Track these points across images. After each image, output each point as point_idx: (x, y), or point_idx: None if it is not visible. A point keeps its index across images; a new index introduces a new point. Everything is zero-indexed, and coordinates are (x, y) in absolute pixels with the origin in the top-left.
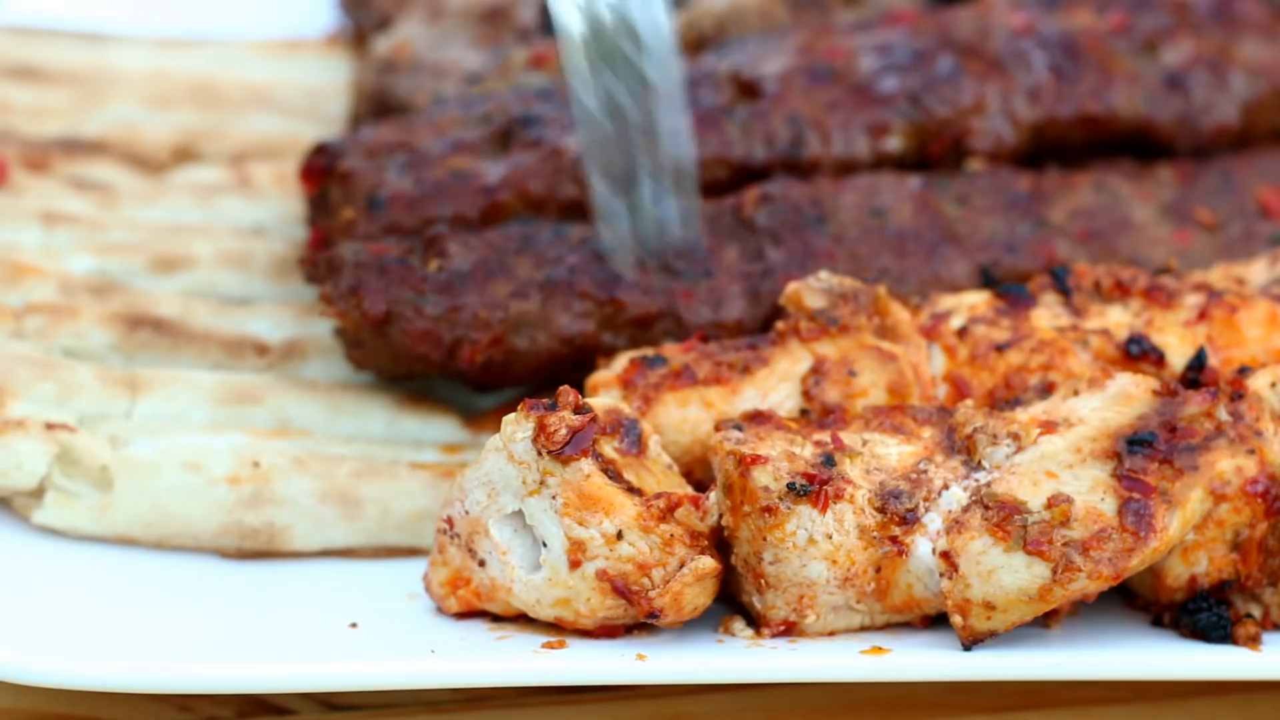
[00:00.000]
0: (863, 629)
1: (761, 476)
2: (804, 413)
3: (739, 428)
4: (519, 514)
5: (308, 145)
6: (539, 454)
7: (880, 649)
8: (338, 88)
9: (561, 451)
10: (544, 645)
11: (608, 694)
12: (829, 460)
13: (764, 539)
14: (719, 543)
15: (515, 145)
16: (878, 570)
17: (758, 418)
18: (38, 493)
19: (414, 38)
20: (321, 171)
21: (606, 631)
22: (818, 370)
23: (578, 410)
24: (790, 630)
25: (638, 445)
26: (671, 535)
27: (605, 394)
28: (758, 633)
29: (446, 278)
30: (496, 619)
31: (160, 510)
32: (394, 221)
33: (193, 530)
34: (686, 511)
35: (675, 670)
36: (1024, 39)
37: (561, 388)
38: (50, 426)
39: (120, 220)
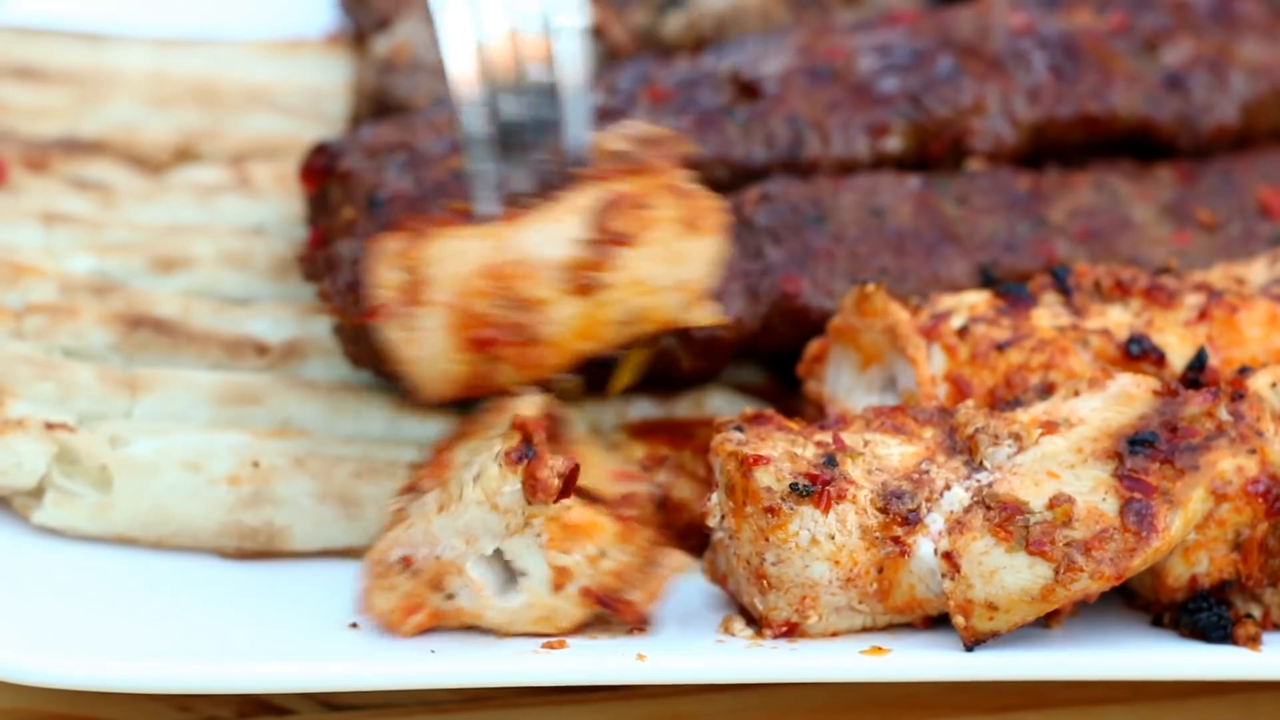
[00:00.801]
0: (864, 630)
1: (764, 477)
2: (590, 245)
3: (740, 429)
4: (496, 551)
5: (308, 145)
6: (529, 503)
7: (880, 649)
8: (338, 88)
9: (556, 500)
10: (544, 645)
11: (607, 694)
12: (831, 461)
13: (766, 539)
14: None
15: None
16: (880, 571)
17: (758, 419)
18: (37, 492)
19: (414, 38)
20: (321, 171)
21: (572, 632)
22: (611, 204)
23: (548, 430)
24: (792, 631)
25: (557, 431)
26: (648, 540)
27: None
28: (758, 633)
29: None
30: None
31: (160, 510)
32: (394, 221)
33: (192, 530)
34: (647, 494)
35: (675, 670)
36: (1024, 39)
37: (516, 420)
38: (50, 426)
39: (120, 220)
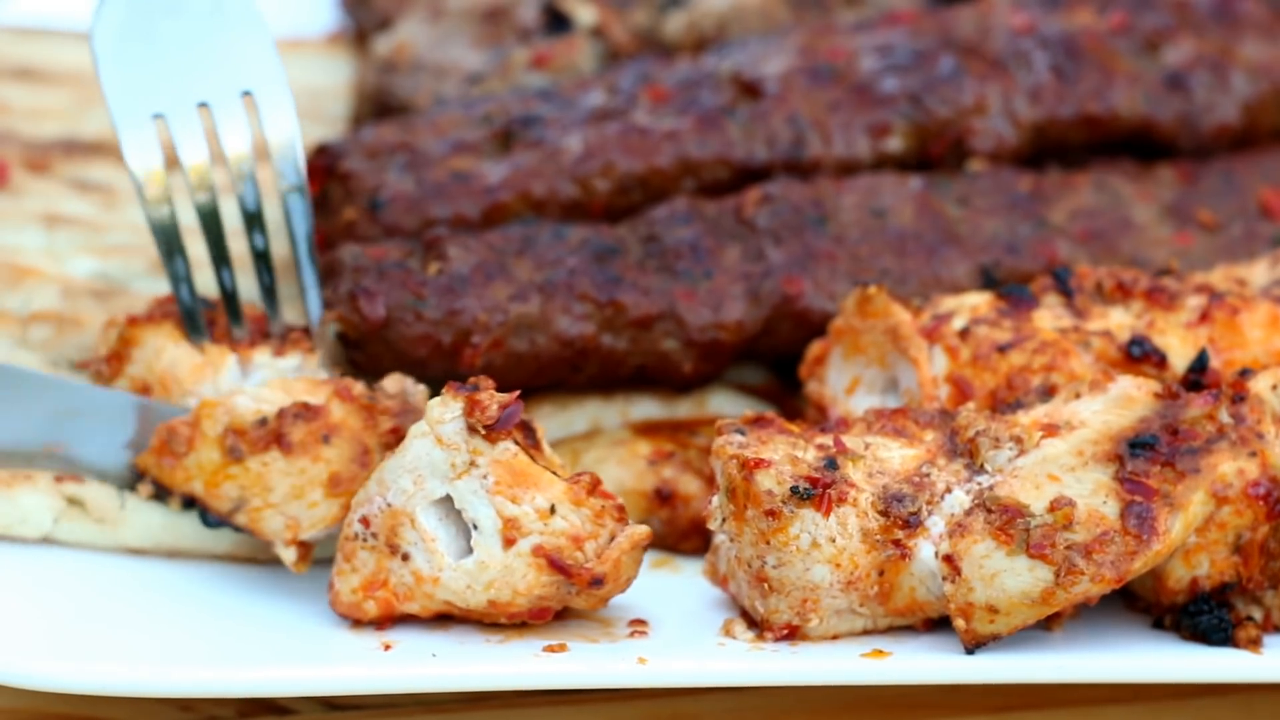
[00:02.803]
0: (865, 633)
1: (765, 480)
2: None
3: (741, 431)
4: (445, 501)
5: (309, 146)
6: (469, 434)
7: (881, 651)
8: (338, 88)
9: (494, 427)
10: (545, 649)
11: (607, 694)
12: (831, 464)
13: (767, 542)
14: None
15: (516, 146)
16: (881, 574)
17: (760, 422)
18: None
19: (414, 38)
20: (322, 172)
21: (537, 614)
22: (298, 411)
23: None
24: (793, 634)
25: (534, 439)
26: (602, 508)
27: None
28: (759, 635)
29: (446, 281)
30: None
31: (172, 530)
32: (395, 222)
33: (205, 548)
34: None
35: (676, 674)
36: (1025, 39)
37: (479, 377)
38: (59, 479)
39: (121, 221)
